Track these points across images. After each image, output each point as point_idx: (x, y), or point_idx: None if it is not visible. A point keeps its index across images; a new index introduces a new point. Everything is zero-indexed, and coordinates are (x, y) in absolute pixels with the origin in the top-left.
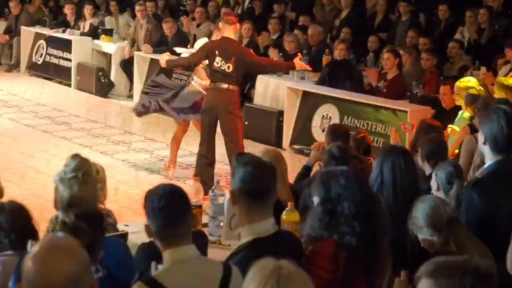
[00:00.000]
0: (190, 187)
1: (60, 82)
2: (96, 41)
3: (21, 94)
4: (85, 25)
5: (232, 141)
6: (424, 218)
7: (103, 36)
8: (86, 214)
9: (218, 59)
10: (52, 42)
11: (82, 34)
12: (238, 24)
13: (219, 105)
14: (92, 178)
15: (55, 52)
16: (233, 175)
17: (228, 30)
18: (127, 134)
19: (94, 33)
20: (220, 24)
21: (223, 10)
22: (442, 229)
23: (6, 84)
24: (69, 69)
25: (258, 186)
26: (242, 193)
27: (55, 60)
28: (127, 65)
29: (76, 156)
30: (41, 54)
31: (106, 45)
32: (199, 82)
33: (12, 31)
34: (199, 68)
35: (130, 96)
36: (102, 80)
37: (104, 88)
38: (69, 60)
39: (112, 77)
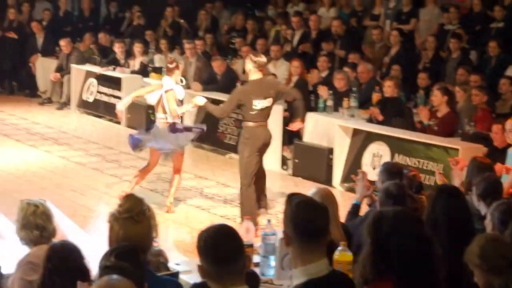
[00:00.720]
0: (241, 226)
1: (110, 120)
2: (145, 79)
3: (71, 131)
4: (135, 63)
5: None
6: (484, 258)
7: (152, 74)
8: (125, 252)
9: (256, 101)
10: (102, 80)
11: (132, 72)
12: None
13: (268, 141)
14: (146, 218)
15: (105, 90)
16: (286, 215)
17: (258, 75)
18: None
19: (143, 71)
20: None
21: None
22: (502, 270)
23: (57, 122)
24: None
25: (312, 227)
26: (295, 234)
27: (105, 98)
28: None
29: (130, 195)
30: (92, 92)
31: (156, 83)
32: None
33: (63, 70)
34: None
35: None
36: (152, 118)
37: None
38: (119, 98)
39: None
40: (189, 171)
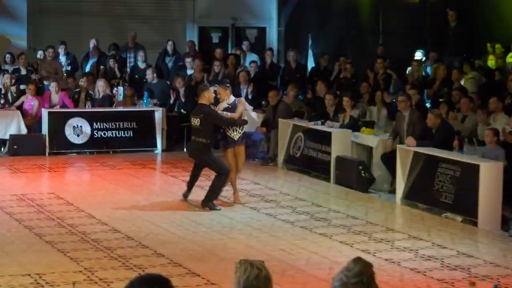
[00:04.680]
0: None
1: (318, 176)
2: (356, 133)
3: (278, 188)
4: (345, 117)
5: None
6: None
7: (363, 128)
8: None
9: None
10: (311, 134)
11: (342, 126)
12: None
13: None
14: (374, 282)
15: (313, 145)
16: None
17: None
18: (389, 232)
19: (354, 125)
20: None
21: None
22: None
23: (263, 178)
24: (328, 162)
25: None
26: None
27: (313, 153)
28: (388, 159)
29: (358, 259)
30: (299, 147)
31: (367, 137)
32: None
33: (270, 124)
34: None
35: (392, 191)
36: (363, 174)
37: (364, 183)
38: (328, 153)
39: (373, 171)
40: (403, 231)
